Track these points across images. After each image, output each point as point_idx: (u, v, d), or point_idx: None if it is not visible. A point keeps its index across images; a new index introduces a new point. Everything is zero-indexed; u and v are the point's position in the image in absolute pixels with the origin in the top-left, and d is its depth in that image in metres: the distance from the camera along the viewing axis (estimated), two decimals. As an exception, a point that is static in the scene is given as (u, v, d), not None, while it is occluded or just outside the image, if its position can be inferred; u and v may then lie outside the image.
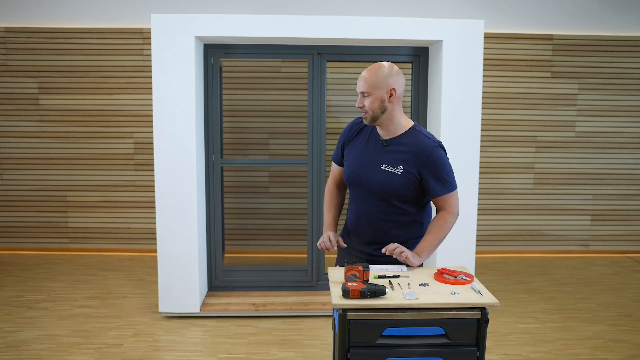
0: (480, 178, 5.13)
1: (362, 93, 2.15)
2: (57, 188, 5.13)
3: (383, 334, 1.90)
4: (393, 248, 2.15)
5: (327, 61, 3.77)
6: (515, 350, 3.18)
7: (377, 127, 2.23)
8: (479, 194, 5.15)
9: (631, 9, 5.10)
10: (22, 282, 4.31)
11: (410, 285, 2.04)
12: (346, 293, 1.90)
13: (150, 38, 4.82)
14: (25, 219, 5.17)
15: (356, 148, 2.29)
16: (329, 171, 2.52)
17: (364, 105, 2.15)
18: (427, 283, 2.07)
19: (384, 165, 2.18)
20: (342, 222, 2.63)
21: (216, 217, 3.83)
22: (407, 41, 3.59)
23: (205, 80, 3.70)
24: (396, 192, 2.17)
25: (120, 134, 5.06)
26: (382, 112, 2.15)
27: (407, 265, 2.20)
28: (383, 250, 2.17)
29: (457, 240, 3.59)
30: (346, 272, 1.98)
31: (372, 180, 2.20)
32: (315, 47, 3.72)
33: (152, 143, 4.59)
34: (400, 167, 2.15)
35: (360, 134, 2.30)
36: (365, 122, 2.20)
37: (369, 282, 2.02)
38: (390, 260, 2.25)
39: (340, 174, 2.44)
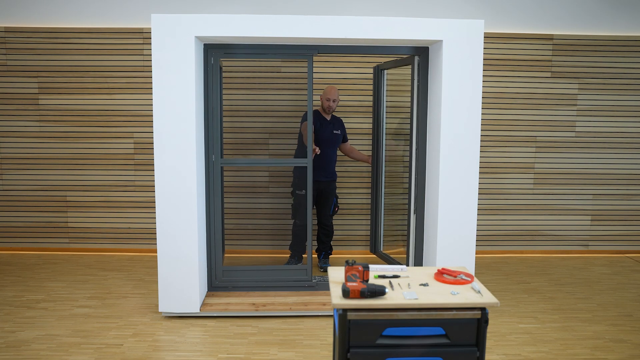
0: (480, 178, 5.13)
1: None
2: (57, 188, 5.13)
3: (383, 334, 1.90)
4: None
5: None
6: (515, 350, 3.18)
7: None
8: (479, 194, 5.15)
9: (631, 9, 5.10)
10: (22, 282, 4.31)
11: (410, 285, 2.04)
12: (346, 293, 1.90)
13: (150, 38, 4.82)
14: (25, 219, 5.17)
15: None
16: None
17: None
18: (427, 283, 2.07)
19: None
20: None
21: (216, 217, 3.83)
22: (407, 41, 3.59)
23: (205, 80, 3.70)
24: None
25: (120, 134, 5.06)
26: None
27: (407, 265, 2.20)
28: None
29: (457, 240, 3.60)
30: (346, 272, 1.99)
31: None
32: (315, 47, 3.72)
33: (152, 143, 4.58)
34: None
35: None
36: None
37: (369, 282, 2.03)
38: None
39: None
